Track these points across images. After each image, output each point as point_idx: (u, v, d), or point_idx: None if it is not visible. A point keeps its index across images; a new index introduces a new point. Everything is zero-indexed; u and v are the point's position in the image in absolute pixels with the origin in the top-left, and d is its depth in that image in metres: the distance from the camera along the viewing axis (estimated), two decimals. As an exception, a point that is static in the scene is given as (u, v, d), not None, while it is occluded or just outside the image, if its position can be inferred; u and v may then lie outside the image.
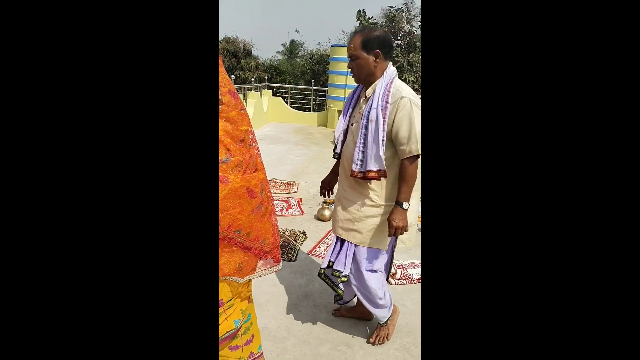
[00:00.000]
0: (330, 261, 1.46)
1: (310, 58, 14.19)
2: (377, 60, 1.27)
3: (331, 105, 7.21)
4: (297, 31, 28.20)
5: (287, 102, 8.08)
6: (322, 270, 1.49)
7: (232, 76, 6.71)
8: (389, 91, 1.24)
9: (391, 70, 1.30)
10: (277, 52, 18.84)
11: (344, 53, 6.73)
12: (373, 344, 1.50)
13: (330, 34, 40.52)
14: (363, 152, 1.27)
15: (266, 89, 8.15)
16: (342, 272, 1.40)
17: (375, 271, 1.41)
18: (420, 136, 1.22)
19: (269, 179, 3.53)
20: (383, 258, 1.42)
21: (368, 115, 1.25)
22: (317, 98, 8.47)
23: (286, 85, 9.77)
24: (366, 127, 1.25)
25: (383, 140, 1.23)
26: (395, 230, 1.27)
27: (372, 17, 12.13)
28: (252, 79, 8.75)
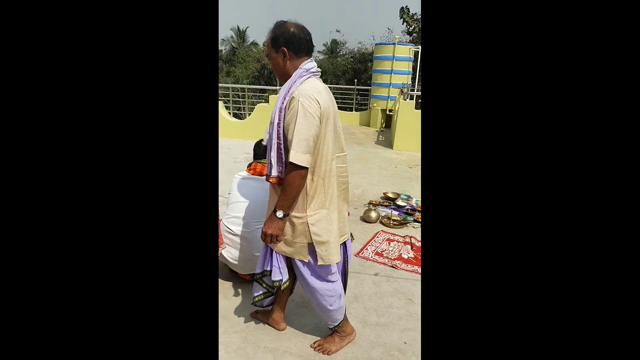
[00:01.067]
0: (265, 270, 1.38)
1: (351, 57, 14.13)
2: (286, 58, 1.19)
3: (374, 105, 7.12)
4: (337, 31, 28.13)
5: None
6: (258, 276, 1.41)
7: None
8: (288, 91, 1.15)
9: (303, 68, 1.19)
10: (318, 51, 18.97)
11: (388, 51, 6.61)
12: (314, 348, 1.45)
13: (375, 32, 40.02)
14: (269, 155, 1.20)
15: (309, 90, 8.24)
16: (281, 280, 1.34)
17: (321, 277, 1.33)
18: (305, 143, 1.10)
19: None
20: (324, 267, 1.31)
21: (271, 117, 1.20)
22: (359, 97, 8.41)
23: (329, 86, 9.81)
24: (269, 130, 1.20)
25: (279, 143, 1.15)
26: (264, 237, 1.22)
27: (415, 14, 11.81)
28: (295, 80, 8.88)
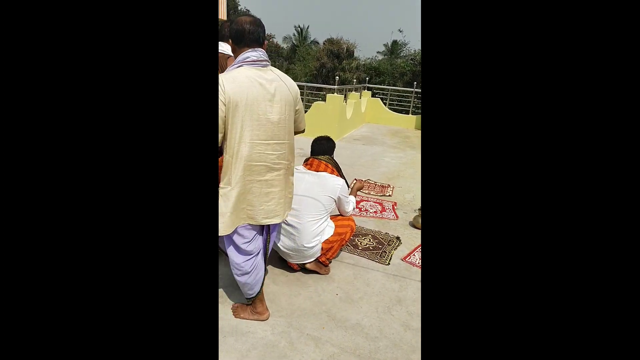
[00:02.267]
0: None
1: (411, 59, 13.76)
2: (235, 50, 1.33)
3: (432, 109, 6.89)
4: (400, 31, 27.33)
5: (385, 104, 8.02)
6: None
7: (336, 77, 6.95)
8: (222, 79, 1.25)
9: (239, 59, 1.30)
10: (377, 52, 18.76)
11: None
12: (232, 308, 1.65)
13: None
14: None
15: (365, 90, 8.22)
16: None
17: (232, 249, 1.46)
18: (219, 128, 1.24)
19: (363, 179, 3.59)
20: (232, 239, 1.43)
21: None
22: (417, 100, 8.19)
23: (386, 87, 9.68)
24: None
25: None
26: None
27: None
28: (354, 80, 8.91)
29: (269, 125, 1.31)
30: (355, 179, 2.33)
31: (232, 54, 1.41)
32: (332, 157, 2.09)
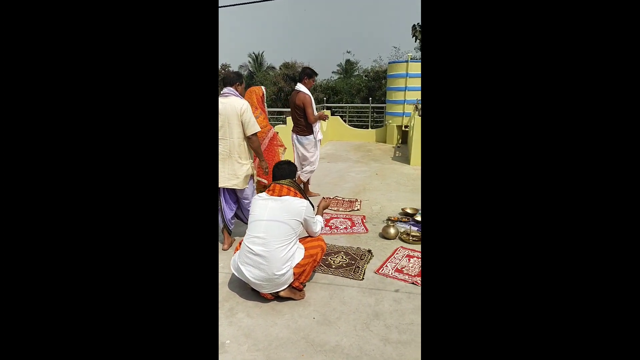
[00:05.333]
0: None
1: (365, 76, 14.35)
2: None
3: (390, 122, 7.18)
4: (348, 52, 28.56)
5: (345, 121, 8.25)
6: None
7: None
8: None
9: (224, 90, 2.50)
10: (333, 72, 19.38)
11: (401, 69, 6.70)
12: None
13: (383, 51, 40.59)
14: None
15: (325, 109, 8.42)
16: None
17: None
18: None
19: (331, 196, 3.62)
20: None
21: None
22: (375, 114, 8.50)
23: (344, 105, 9.99)
24: None
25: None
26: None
27: (428, 30, 11.95)
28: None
29: (226, 130, 2.41)
30: (323, 198, 2.35)
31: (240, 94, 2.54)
32: (294, 181, 2.11)
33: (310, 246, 2.01)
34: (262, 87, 3.11)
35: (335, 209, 3.42)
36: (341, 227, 2.99)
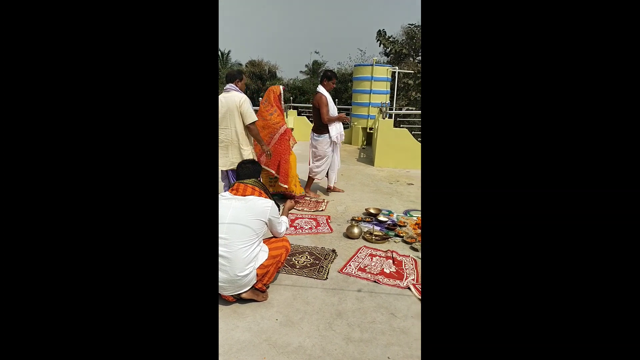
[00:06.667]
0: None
1: (332, 77, 14.45)
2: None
3: (355, 123, 7.30)
4: (316, 52, 28.82)
5: (311, 121, 8.26)
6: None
7: (260, 98, 6.97)
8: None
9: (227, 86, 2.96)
10: (300, 71, 19.36)
11: (367, 72, 6.84)
12: None
13: (351, 53, 41.21)
14: None
15: (291, 109, 8.38)
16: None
17: None
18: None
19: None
20: None
21: None
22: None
23: (311, 105, 10.00)
24: None
25: None
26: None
27: (391, 36, 12.32)
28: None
29: (222, 121, 2.88)
30: (289, 199, 2.34)
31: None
32: (259, 180, 2.07)
33: (274, 247, 1.98)
34: (281, 87, 3.47)
35: (301, 209, 3.41)
36: (306, 227, 2.99)
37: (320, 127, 3.67)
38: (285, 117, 3.52)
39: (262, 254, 1.90)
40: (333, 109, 3.67)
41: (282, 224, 2.07)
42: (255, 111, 2.99)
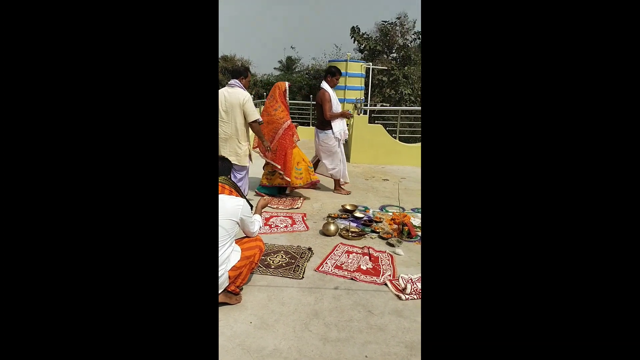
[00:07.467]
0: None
1: (306, 73, 14.39)
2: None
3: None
4: (292, 47, 28.55)
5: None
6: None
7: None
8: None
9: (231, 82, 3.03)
10: (274, 67, 19.10)
11: (341, 68, 6.82)
12: None
13: (326, 49, 41.27)
14: None
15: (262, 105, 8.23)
16: None
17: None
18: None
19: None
20: None
21: None
22: (316, 112, 8.55)
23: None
24: None
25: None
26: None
27: (365, 33, 12.39)
28: (252, 97, 8.87)
29: (220, 115, 2.94)
30: (262, 197, 2.27)
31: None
32: (229, 178, 1.98)
33: (247, 247, 1.90)
34: (286, 83, 3.50)
35: (276, 206, 3.34)
36: (281, 226, 2.92)
37: (324, 123, 3.64)
38: (289, 112, 3.55)
39: (234, 254, 1.82)
40: (337, 105, 3.65)
41: (255, 223, 1.99)
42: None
